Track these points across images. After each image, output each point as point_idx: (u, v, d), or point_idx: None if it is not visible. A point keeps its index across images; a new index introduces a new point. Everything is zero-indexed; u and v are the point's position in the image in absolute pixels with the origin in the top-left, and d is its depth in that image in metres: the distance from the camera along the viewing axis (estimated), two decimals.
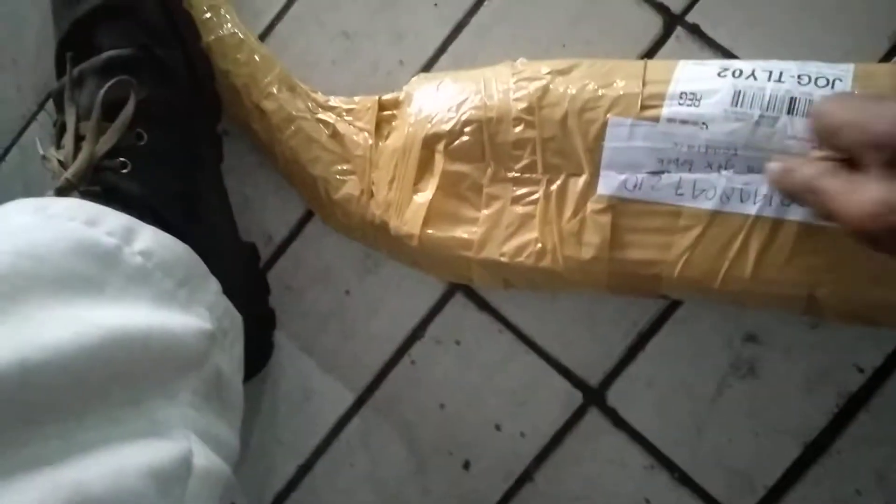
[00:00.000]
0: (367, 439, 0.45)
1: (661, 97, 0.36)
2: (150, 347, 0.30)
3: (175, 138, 0.40)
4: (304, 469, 0.46)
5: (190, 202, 0.40)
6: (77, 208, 0.34)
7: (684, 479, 0.40)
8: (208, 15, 0.45)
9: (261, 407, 0.46)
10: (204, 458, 0.30)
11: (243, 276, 0.42)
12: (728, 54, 0.42)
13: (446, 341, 0.44)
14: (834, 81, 0.34)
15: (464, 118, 0.40)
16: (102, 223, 0.33)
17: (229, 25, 0.45)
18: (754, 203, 0.34)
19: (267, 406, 0.47)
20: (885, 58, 0.40)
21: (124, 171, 0.37)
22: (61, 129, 0.39)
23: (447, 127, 0.40)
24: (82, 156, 0.37)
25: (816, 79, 0.35)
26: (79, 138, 0.37)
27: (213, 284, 0.37)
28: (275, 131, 0.44)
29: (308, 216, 0.47)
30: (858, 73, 0.35)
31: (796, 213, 0.33)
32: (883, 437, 0.38)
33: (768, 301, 0.36)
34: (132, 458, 0.27)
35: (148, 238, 0.34)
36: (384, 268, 0.46)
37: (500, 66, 0.42)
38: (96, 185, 0.37)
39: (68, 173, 0.37)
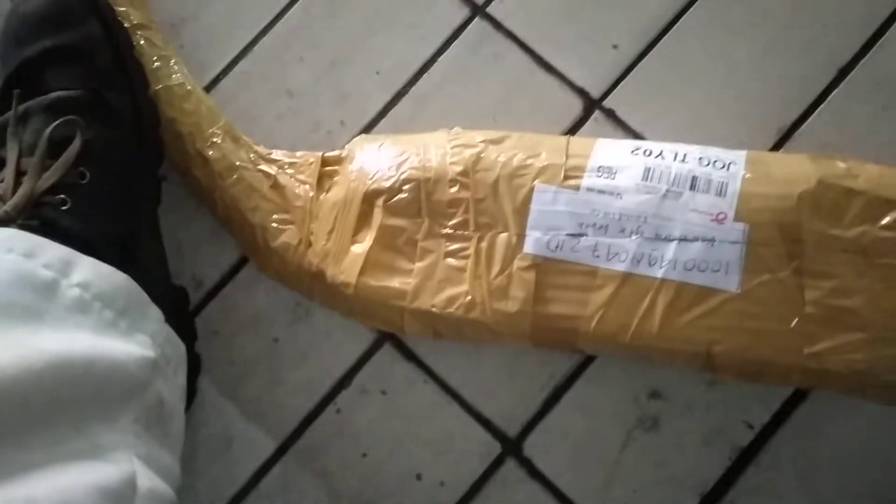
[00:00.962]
0: (287, 489, 0.45)
1: (581, 169, 0.41)
2: (92, 374, 0.30)
3: (116, 179, 0.41)
4: None
5: (126, 243, 0.40)
6: (14, 239, 0.34)
7: None
8: (158, 64, 0.47)
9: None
10: (148, 480, 0.30)
11: (172, 320, 0.42)
12: (639, 137, 0.47)
13: (372, 391, 0.46)
14: (729, 165, 0.40)
15: (403, 177, 0.43)
16: (40, 255, 0.34)
17: (178, 76, 0.47)
18: (660, 267, 0.39)
19: (186, 453, 0.46)
20: (774, 148, 0.46)
21: (64, 207, 0.38)
22: (0, 164, 0.39)
23: (387, 184, 0.43)
24: (22, 190, 0.37)
25: (715, 161, 0.40)
26: (20, 173, 0.38)
27: (155, 313, 0.38)
28: (216, 178, 0.46)
29: (241, 263, 0.48)
30: (750, 159, 0.40)
31: (697, 278, 0.38)
32: (770, 488, 0.41)
33: (672, 357, 0.40)
34: (79, 476, 0.27)
35: (86, 269, 0.35)
36: (315, 316, 0.47)
37: (437, 132, 0.45)
38: (35, 219, 0.37)
39: (7, 206, 0.37)
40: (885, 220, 0.38)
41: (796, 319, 0.37)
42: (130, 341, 0.35)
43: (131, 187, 0.42)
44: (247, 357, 0.47)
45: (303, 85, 0.50)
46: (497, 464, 0.44)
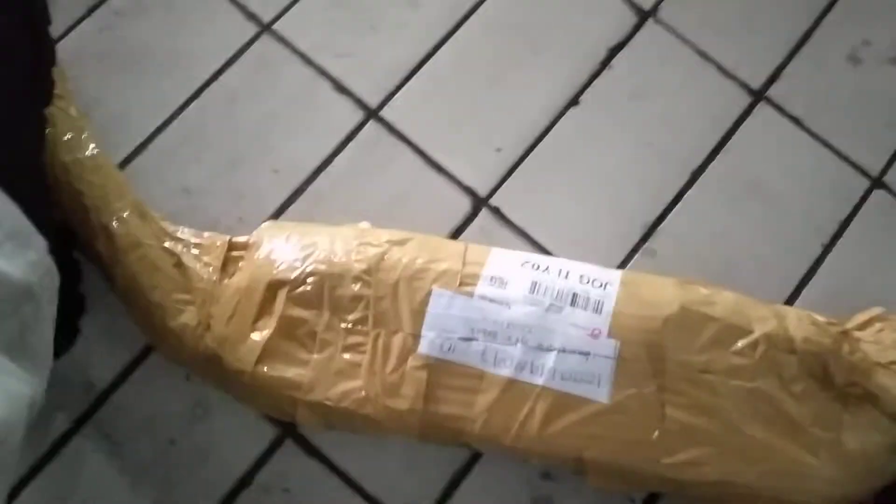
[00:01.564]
0: None
1: (476, 277, 0.44)
2: None
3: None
4: None
5: (11, 172, 0.40)
6: None
7: None
8: (70, 136, 0.46)
9: None
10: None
11: (54, 255, 0.41)
12: (522, 232, 0.51)
13: (274, 489, 0.46)
14: (606, 284, 0.44)
15: (308, 269, 0.45)
16: None
17: (89, 149, 0.47)
18: (541, 375, 0.42)
19: None
20: (641, 241, 0.51)
21: None
22: None
23: (292, 275, 0.45)
24: None
25: (593, 280, 0.45)
26: None
27: (40, 242, 0.38)
28: (119, 254, 0.45)
29: (135, 364, 0.48)
30: (624, 280, 0.45)
31: (573, 388, 0.42)
32: None
33: (547, 459, 0.43)
34: None
35: None
36: (214, 415, 0.47)
37: (345, 227, 0.47)
38: None
39: None
40: (736, 346, 0.43)
41: (657, 432, 0.41)
42: (12, 264, 0.35)
43: (13, 115, 0.41)
44: (143, 460, 0.46)
45: (200, 182, 0.51)
46: None
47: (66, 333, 0.46)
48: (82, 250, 0.47)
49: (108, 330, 0.47)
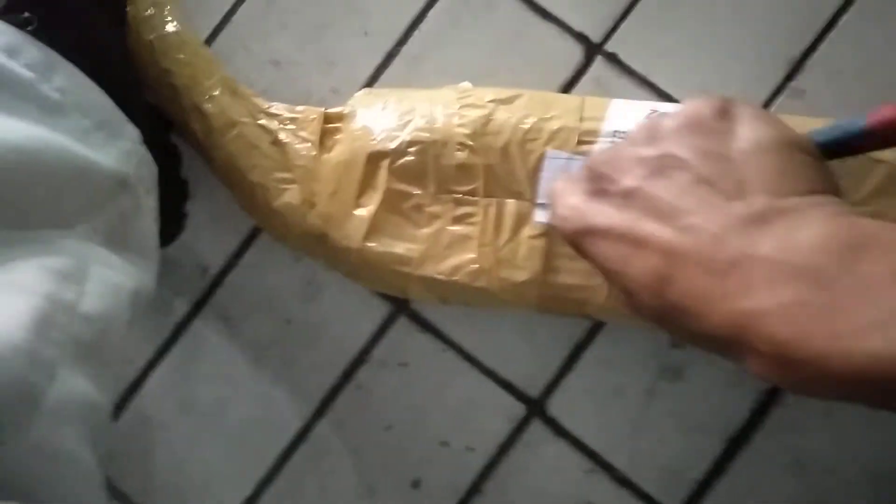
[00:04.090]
0: (314, 468, 0.46)
1: (595, 133, 0.40)
2: (59, 174, 0.32)
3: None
4: (250, 502, 0.46)
5: (99, 61, 0.39)
6: None
7: (622, 480, 0.44)
8: (150, 12, 0.45)
9: (200, 440, 0.46)
10: (102, 270, 0.33)
11: (150, 142, 0.42)
12: (644, 80, 0.46)
13: (391, 364, 0.46)
14: None
15: (408, 138, 0.42)
16: (22, 53, 0.34)
17: (172, 24, 0.45)
18: None
19: (207, 440, 0.47)
20: (787, 79, 0.45)
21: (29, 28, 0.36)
22: None
23: (392, 145, 0.43)
24: None
25: None
26: None
27: (132, 132, 0.38)
28: (215, 135, 0.45)
29: (244, 247, 0.48)
30: None
31: None
32: (796, 426, 0.43)
33: None
34: (27, 258, 0.30)
35: (67, 76, 0.35)
36: (326, 294, 0.47)
37: (445, 89, 0.44)
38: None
39: None
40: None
41: None
42: (104, 153, 0.36)
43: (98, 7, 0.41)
44: (260, 340, 0.47)
45: (288, 53, 0.48)
46: (523, 425, 0.45)
47: (173, 220, 0.46)
48: (179, 133, 0.46)
49: (215, 213, 0.48)
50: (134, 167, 0.38)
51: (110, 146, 0.37)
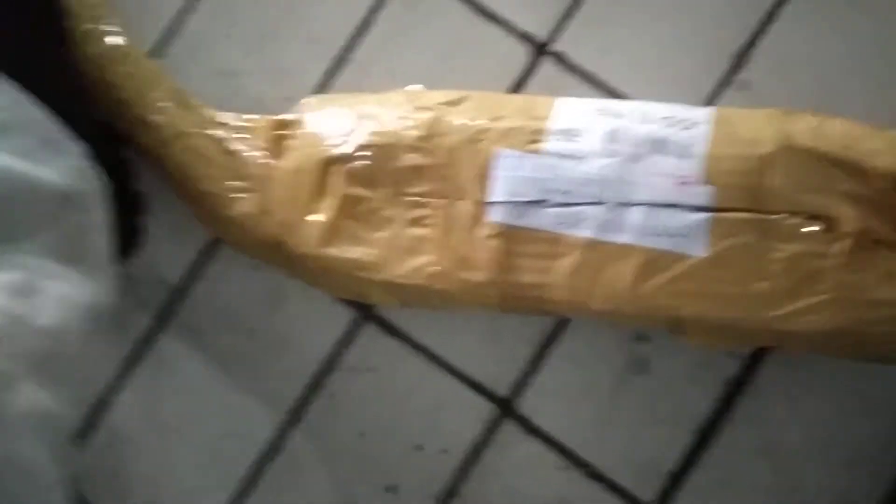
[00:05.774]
0: (289, 479, 0.47)
1: (544, 132, 0.41)
2: (2, 195, 0.33)
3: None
4: None
5: (40, 77, 0.40)
6: None
7: (596, 476, 0.44)
8: (90, 26, 0.45)
9: (173, 455, 0.46)
10: (58, 286, 0.34)
11: (99, 157, 0.42)
12: (591, 78, 0.46)
13: (360, 370, 0.46)
14: (695, 124, 0.40)
15: (360, 142, 0.43)
16: None
17: (114, 38, 0.45)
18: (625, 233, 0.39)
19: (179, 455, 0.47)
20: (730, 72, 0.45)
21: None
22: None
23: (344, 150, 0.43)
24: None
25: (679, 121, 0.40)
26: None
27: (77, 148, 0.39)
28: (164, 147, 0.45)
29: (207, 258, 0.48)
30: (716, 118, 0.40)
31: (662, 243, 0.39)
32: (763, 416, 0.43)
33: (640, 320, 0.41)
34: None
35: (7, 94, 0.36)
36: (290, 302, 0.47)
37: (395, 93, 0.45)
38: None
39: None
40: (848, 183, 0.38)
41: (762, 282, 0.38)
42: (49, 170, 0.36)
43: (28, 14, 0.41)
44: (228, 352, 0.47)
45: (237, 63, 0.49)
46: (495, 425, 0.46)
47: (130, 234, 0.46)
48: (130, 147, 0.46)
49: (175, 226, 0.48)
50: (80, 182, 0.38)
51: (55, 163, 0.37)
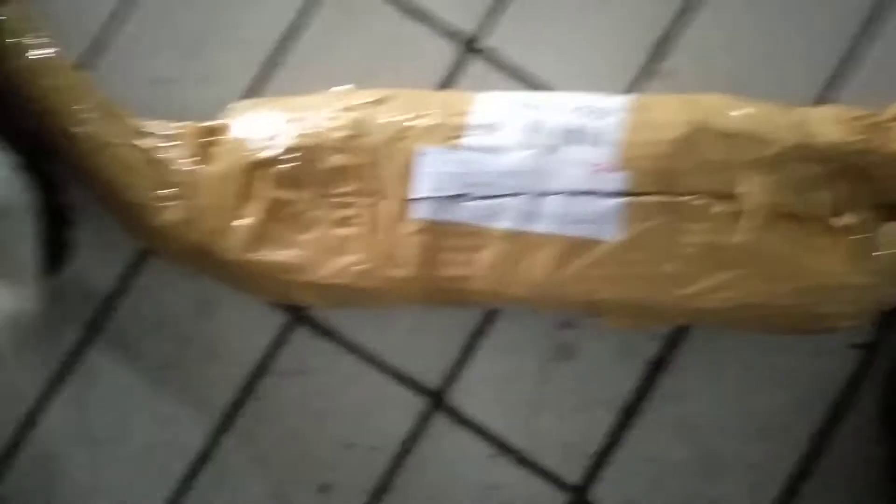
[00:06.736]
0: (222, 484, 0.47)
1: (463, 127, 0.42)
2: None
3: None
4: None
5: None
6: None
7: (524, 461, 0.46)
8: (13, 39, 0.44)
9: (103, 469, 0.46)
10: None
11: (28, 168, 0.41)
12: (518, 73, 0.48)
13: (291, 373, 0.47)
14: (610, 113, 0.41)
15: (285, 145, 0.43)
16: None
17: (39, 50, 0.44)
18: (544, 223, 0.41)
19: (110, 468, 0.46)
20: (651, 61, 0.47)
21: None
22: None
23: (269, 154, 0.44)
24: None
25: (595, 111, 0.42)
26: None
27: (3, 159, 0.38)
28: (88, 157, 0.45)
29: (136, 269, 0.48)
30: (632, 105, 0.42)
31: (579, 230, 0.40)
32: (682, 392, 0.45)
33: (560, 306, 0.43)
34: None
35: None
36: (221, 309, 0.47)
37: (321, 94, 0.45)
38: None
39: None
40: (755, 163, 0.39)
41: (673, 263, 0.40)
42: None
43: None
44: (158, 361, 0.47)
45: (167, 71, 0.49)
46: (425, 418, 0.46)
47: (58, 247, 0.45)
48: (57, 159, 0.46)
49: (105, 238, 0.48)
50: (8, 193, 0.38)
51: None
